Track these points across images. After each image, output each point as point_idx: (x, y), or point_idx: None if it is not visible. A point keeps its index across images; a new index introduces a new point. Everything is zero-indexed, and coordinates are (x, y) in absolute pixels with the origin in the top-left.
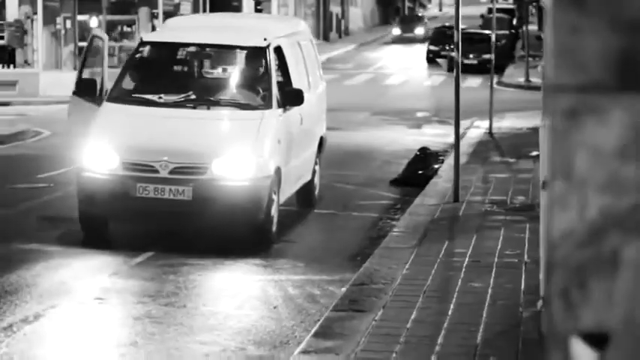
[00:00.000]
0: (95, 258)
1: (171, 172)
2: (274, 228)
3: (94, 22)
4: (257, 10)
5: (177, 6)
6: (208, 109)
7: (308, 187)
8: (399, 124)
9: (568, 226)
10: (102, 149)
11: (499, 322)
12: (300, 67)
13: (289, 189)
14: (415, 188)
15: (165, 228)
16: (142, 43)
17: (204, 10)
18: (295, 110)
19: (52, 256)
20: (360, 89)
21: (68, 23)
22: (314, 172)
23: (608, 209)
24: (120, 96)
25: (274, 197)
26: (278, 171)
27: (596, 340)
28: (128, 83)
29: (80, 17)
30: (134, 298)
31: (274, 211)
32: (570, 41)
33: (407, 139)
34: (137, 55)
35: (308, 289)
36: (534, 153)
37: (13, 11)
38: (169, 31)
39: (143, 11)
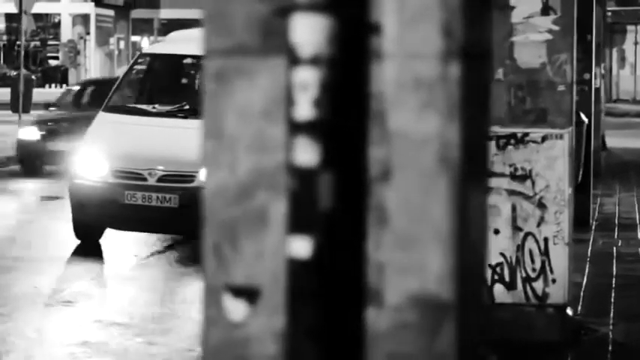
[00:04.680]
0: (80, 264)
1: (159, 180)
2: None
3: (145, 42)
4: None
5: None
6: (199, 118)
7: None
8: None
9: (220, 184)
10: (93, 157)
11: None
12: None
13: None
14: None
15: (154, 235)
16: (141, 55)
17: None
18: None
19: (38, 261)
20: None
21: (122, 44)
22: None
23: (256, 168)
24: (115, 106)
25: None
26: None
27: (247, 294)
28: (126, 94)
29: (134, 38)
30: (103, 302)
31: None
32: (219, 6)
33: None
34: (135, 67)
35: None
36: None
37: (67, 32)
38: (168, 44)
39: None
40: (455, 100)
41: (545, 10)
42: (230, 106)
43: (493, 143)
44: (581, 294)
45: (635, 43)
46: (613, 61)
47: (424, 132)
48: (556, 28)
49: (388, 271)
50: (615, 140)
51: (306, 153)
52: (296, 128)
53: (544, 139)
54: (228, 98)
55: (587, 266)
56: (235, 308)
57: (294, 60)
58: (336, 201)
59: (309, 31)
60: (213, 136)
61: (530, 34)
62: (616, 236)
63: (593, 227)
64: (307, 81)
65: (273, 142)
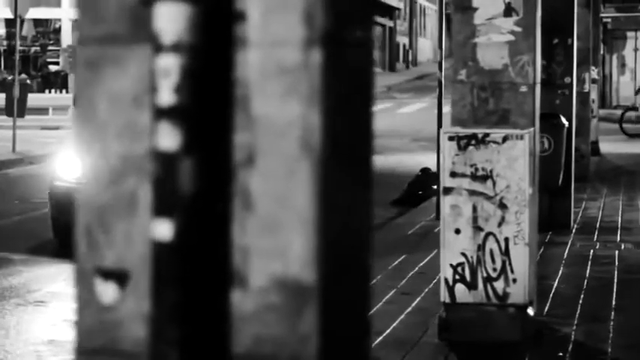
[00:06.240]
0: (57, 265)
1: None
2: None
3: None
4: None
5: None
6: None
7: None
8: (434, 149)
9: (92, 169)
10: (71, 158)
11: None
12: None
13: None
14: (416, 208)
15: None
16: None
17: None
18: None
19: (15, 263)
20: (412, 117)
21: None
22: None
23: (126, 153)
24: None
25: None
26: None
27: (117, 277)
28: None
29: None
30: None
31: None
32: None
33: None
34: None
35: None
36: None
37: (67, 37)
38: None
39: None
40: (316, 87)
41: (508, 12)
42: (102, 93)
43: (454, 143)
44: (551, 295)
45: (635, 50)
46: (613, 67)
47: (287, 118)
48: (518, 29)
49: (253, 254)
50: (611, 146)
51: (168, 138)
52: (159, 114)
53: (505, 139)
54: (100, 86)
55: (562, 268)
56: (106, 291)
57: (157, 47)
58: (198, 185)
59: (171, 19)
60: (85, 123)
61: (493, 35)
62: (595, 239)
63: (574, 230)
64: (169, 67)
65: (142, 128)
